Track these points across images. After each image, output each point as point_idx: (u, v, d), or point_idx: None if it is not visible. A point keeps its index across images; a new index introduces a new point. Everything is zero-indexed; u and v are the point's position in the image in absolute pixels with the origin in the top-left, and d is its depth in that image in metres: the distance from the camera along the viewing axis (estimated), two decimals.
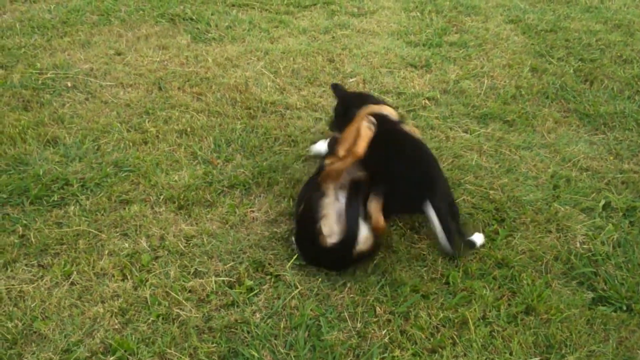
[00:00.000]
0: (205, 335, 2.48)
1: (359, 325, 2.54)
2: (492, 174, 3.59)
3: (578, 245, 3.03)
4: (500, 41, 5.62)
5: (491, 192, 3.42)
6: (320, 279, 2.77)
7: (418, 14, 6.33)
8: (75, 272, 2.76)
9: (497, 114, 4.28)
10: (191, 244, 2.95)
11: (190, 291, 2.68)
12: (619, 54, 5.30)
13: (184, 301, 2.62)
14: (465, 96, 4.57)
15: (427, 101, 4.48)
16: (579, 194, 3.41)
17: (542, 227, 3.15)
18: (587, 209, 3.30)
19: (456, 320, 2.57)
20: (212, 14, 5.91)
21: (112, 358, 2.37)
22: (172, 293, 2.64)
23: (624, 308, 2.62)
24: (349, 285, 2.74)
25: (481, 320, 2.56)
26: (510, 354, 2.40)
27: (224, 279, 2.74)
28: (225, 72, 4.74)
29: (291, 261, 2.83)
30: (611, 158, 3.79)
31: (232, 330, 2.50)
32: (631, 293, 2.70)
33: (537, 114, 4.30)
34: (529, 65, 5.06)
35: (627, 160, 3.77)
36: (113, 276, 2.75)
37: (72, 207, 3.15)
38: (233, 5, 6.25)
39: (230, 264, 2.83)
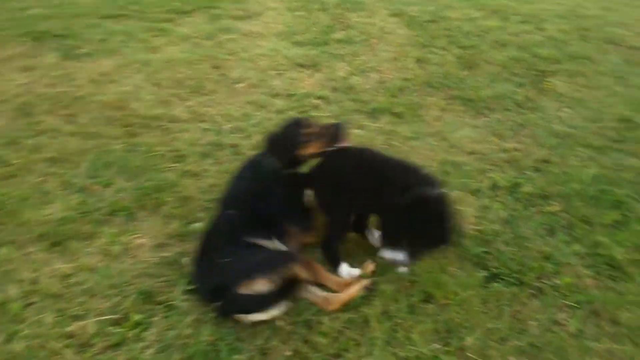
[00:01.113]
0: None
1: (260, 342, 2.48)
2: None
3: (469, 227, 3.16)
4: (386, 35, 5.81)
5: None
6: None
7: (304, 13, 6.41)
8: None
9: (387, 108, 4.41)
10: (69, 284, 2.75)
11: (70, 337, 2.48)
12: (496, 39, 5.65)
13: (63, 349, 2.43)
14: (355, 92, 4.67)
15: (318, 101, 4.53)
16: (467, 177, 3.57)
17: None
18: (475, 190, 3.46)
19: (359, 320, 2.58)
20: (83, 28, 5.65)
21: None
22: (50, 342, 2.45)
23: (515, 282, 2.76)
24: None
25: (383, 316, 2.59)
26: (413, 344, 2.45)
27: (108, 317, 2.58)
28: (100, 89, 4.54)
29: (181, 287, 2.72)
30: (494, 139, 4.00)
31: None
32: (520, 267, 2.85)
33: (424, 104, 4.48)
34: (414, 57, 5.26)
35: (509, 139, 4.00)
36: None
37: None
38: (106, 17, 6.02)
39: (114, 300, 2.66)
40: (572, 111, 4.37)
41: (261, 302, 2.54)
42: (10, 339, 2.47)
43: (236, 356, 2.41)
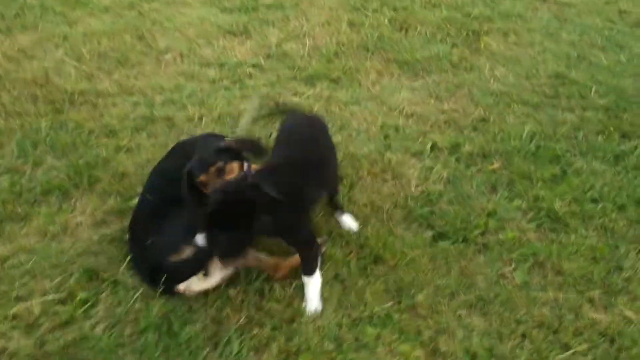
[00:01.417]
0: None
1: (212, 312, 2.50)
2: None
3: (413, 189, 3.27)
4: None
5: None
6: None
7: None
8: None
9: (323, 73, 4.42)
10: (7, 266, 2.68)
11: (14, 318, 2.44)
12: (427, 0, 5.74)
13: (10, 330, 2.38)
14: (289, 59, 4.65)
15: (251, 69, 4.49)
16: (408, 140, 3.67)
17: (379, 178, 3.35)
18: (417, 152, 3.56)
19: None
20: None
21: None
22: None
23: (461, 240, 2.90)
24: None
25: (334, 280, 2.66)
26: (365, 305, 2.53)
27: (53, 296, 2.52)
28: (19, 66, 4.32)
29: (125, 262, 2.69)
30: (432, 101, 4.12)
31: (72, 349, 2.33)
32: (465, 224, 2.98)
33: (360, 68, 4.52)
34: (347, 21, 5.27)
35: (446, 100, 4.12)
36: None
37: None
38: None
39: (57, 280, 2.61)
40: (506, 69, 4.54)
41: (197, 263, 2.53)
42: None
43: (189, 327, 2.43)
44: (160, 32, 4.93)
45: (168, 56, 4.57)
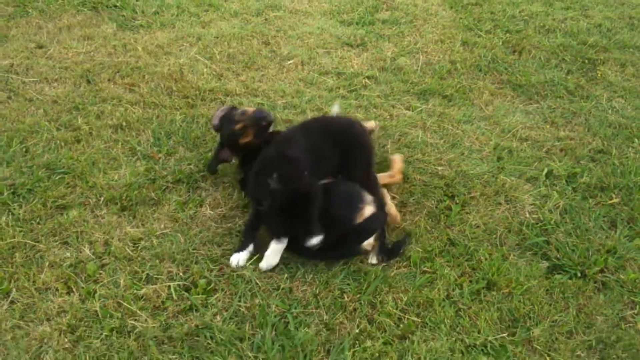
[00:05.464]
0: (165, 346, 2.26)
1: (326, 317, 2.39)
2: (438, 150, 3.52)
3: (527, 215, 3.01)
4: (430, 17, 5.54)
5: (439, 168, 3.34)
6: (279, 273, 2.59)
7: None
8: (14, 289, 2.45)
9: (436, 90, 4.20)
10: (139, 248, 2.69)
11: (144, 299, 2.43)
12: (542, 24, 5.36)
13: (138, 311, 2.37)
14: (403, 73, 4.46)
15: (367, 80, 4.34)
16: (522, 164, 3.40)
17: (492, 200, 3.11)
18: (532, 178, 3.29)
19: (422, 302, 2.47)
20: (137, 0, 5.47)
21: None
22: (125, 303, 2.39)
23: (579, 275, 2.62)
24: (310, 277, 2.58)
25: (446, 300, 2.48)
26: (478, 332, 2.33)
27: (179, 282, 2.50)
28: (158, 60, 4.39)
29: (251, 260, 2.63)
30: (547, 126, 3.80)
31: (194, 337, 2.29)
32: (583, 259, 2.70)
33: (473, 87, 4.26)
34: (460, 40, 5.01)
35: (562, 127, 3.79)
36: (57, 290, 2.45)
37: (4, 218, 2.79)
38: None
39: (184, 265, 2.59)
40: (624, 101, 4.13)
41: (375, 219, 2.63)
42: (87, 297, 2.42)
43: (304, 329, 2.32)
44: (284, 39, 4.89)
45: (290, 62, 4.51)
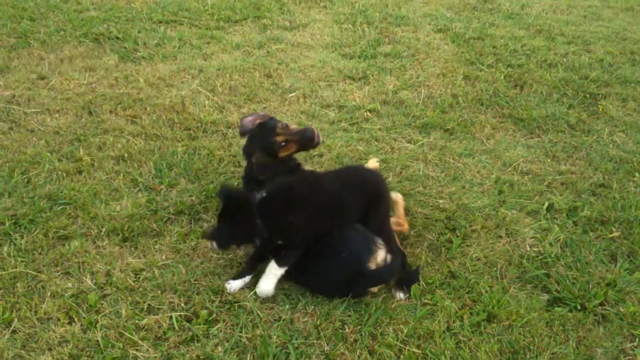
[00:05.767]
0: None
1: (327, 348, 2.49)
2: (439, 183, 3.67)
3: (528, 248, 3.14)
4: (432, 50, 5.79)
5: (441, 201, 3.49)
6: (280, 304, 2.71)
7: (350, 25, 6.41)
8: (16, 319, 2.56)
9: (437, 123, 4.39)
10: (141, 278, 2.81)
11: (145, 329, 2.54)
12: (543, 59, 5.60)
13: (139, 341, 2.48)
14: (404, 106, 4.65)
15: (368, 113, 4.53)
16: (523, 197, 3.55)
17: (493, 233, 3.25)
18: (532, 211, 3.43)
19: (422, 334, 2.58)
20: (139, 32, 5.73)
21: None
22: (126, 333, 2.50)
23: (579, 307, 2.73)
24: (311, 308, 2.69)
25: (446, 332, 2.59)
26: None
27: (181, 313, 2.62)
28: (159, 92, 4.59)
29: (250, 288, 2.75)
30: (548, 160, 3.97)
31: None
32: (583, 292, 2.81)
33: (475, 121, 4.45)
34: (462, 73, 5.23)
35: (564, 161, 3.96)
36: (59, 320, 2.56)
37: (6, 248, 2.92)
38: (160, 22, 6.09)
39: (185, 296, 2.71)
40: (626, 136, 4.32)
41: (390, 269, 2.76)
42: (88, 327, 2.52)
43: None
44: (286, 72, 5.11)
45: (292, 95, 4.71)
